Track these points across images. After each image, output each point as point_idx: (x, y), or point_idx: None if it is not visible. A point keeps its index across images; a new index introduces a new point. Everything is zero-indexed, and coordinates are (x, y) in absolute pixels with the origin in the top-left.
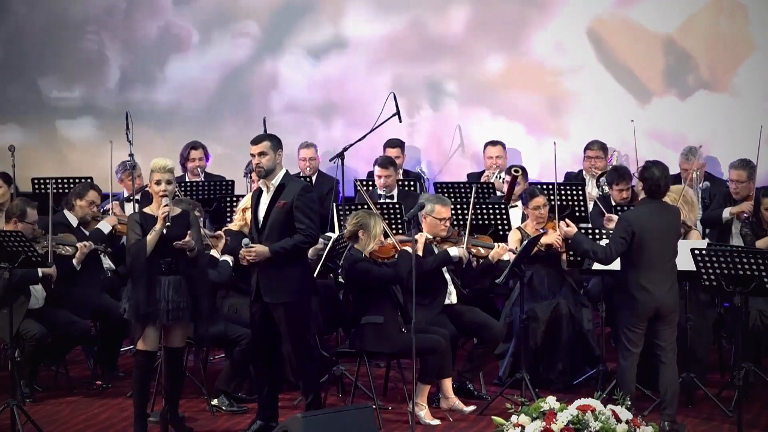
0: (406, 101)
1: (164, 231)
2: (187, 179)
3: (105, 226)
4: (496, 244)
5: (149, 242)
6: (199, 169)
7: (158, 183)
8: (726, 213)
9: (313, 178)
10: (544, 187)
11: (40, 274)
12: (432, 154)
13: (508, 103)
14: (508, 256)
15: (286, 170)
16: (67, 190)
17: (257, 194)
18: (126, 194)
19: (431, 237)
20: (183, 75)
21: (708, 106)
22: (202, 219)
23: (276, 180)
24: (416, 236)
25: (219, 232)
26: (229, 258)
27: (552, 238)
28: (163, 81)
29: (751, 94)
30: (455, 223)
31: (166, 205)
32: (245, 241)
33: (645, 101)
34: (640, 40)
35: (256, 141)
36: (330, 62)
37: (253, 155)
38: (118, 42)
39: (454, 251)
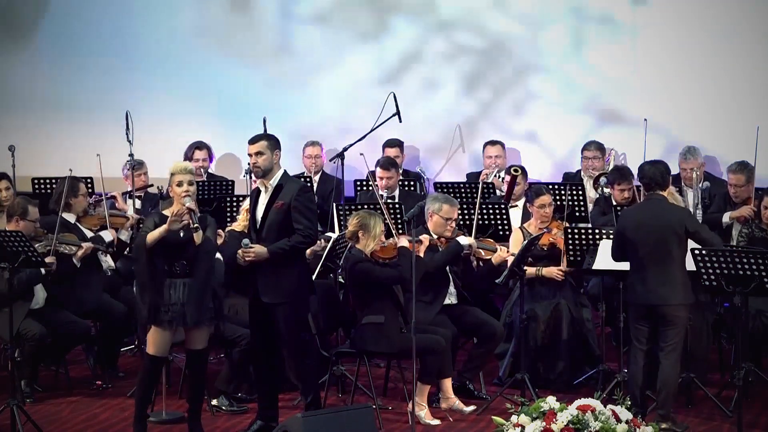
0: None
1: (181, 234)
2: None
3: (107, 235)
4: (498, 247)
5: (149, 237)
6: (202, 170)
7: (180, 184)
8: (726, 218)
9: (316, 178)
10: (550, 187)
11: (42, 271)
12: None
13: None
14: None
15: (285, 170)
16: None
17: (255, 194)
18: (128, 189)
19: (435, 238)
20: None
21: None
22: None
23: (274, 180)
24: (420, 237)
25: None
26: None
27: (553, 272)
28: None
29: None
30: (459, 224)
31: (190, 204)
32: (245, 241)
33: None
34: None
35: (253, 140)
36: None
37: (250, 155)
38: None
39: (463, 240)
